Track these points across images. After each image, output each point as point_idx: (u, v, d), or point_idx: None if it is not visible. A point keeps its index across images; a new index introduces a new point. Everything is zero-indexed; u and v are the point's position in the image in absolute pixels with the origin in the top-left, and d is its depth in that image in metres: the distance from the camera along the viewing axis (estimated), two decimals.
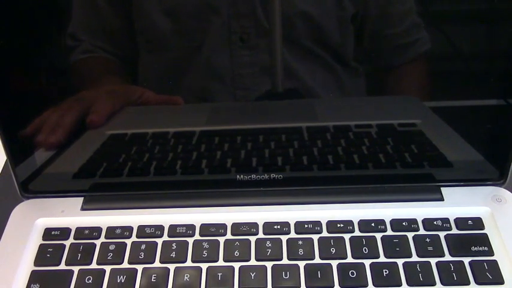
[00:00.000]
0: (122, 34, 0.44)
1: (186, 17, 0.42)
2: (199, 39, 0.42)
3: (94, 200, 0.46)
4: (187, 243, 0.43)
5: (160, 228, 0.44)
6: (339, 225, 0.44)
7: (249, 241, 0.43)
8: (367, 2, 0.42)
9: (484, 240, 0.42)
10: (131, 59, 0.45)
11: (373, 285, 0.40)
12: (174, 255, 0.42)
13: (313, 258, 0.42)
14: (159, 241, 0.43)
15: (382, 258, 0.41)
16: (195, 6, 0.42)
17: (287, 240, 0.43)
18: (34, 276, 0.41)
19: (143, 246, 0.43)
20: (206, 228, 0.44)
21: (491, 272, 0.40)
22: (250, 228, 0.44)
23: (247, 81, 0.43)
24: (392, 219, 0.44)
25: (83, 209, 0.46)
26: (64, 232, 0.44)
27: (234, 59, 0.43)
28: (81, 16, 0.42)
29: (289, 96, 0.44)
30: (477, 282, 0.40)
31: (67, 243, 0.43)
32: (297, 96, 0.44)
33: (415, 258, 0.41)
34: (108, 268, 0.42)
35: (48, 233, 0.44)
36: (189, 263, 0.42)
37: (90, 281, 0.41)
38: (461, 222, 0.44)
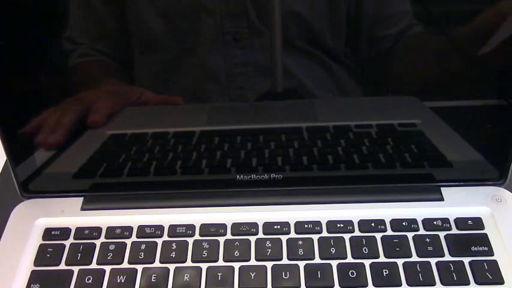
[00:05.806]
0: (119, 36, 0.44)
1: (178, 18, 0.42)
2: (193, 40, 0.43)
3: (94, 200, 0.46)
4: (187, 243, 0.43)
5: (160, 228, 0.44)
6: (339, 225, 0.44)
7: (249, 241, 0.43)
8: (360, 1, 0.42)
9: (484, 240, 0.42)
10: (128, 61, 0.45)
11: (373, 285, 0.40)
12: (174, 255, 0.42)
13: (313, 258, 0.42)
14: (159, 241, 0.43)
15: (382, 258, 0.41)
16: (187, 7, 0.42)
17: (287, 240, 0.43)
18: (34, 276, 0.41)
19: (143, 246, 0.43)
20: (206, 228, 0.44)
21: (491, 272, 0.40)
22: (250, 228, 0.44)
23: (242, 81, 0.43)
24: (392, 219, 0.44)
25: (83, 209, 0.46)
26: (64, 232, 0.44)
27: (228, 58, 0.43)
28: (78, 19, 0.42)
29: (288, 96, 0.44)
30: (477, 282, 0.40)
31: (67, 243, 0.43)
32: (296, 96, 0.44)
33: (415, 258, 0.41)
34: (108, 268, 0.42)
35: (48, 233, 0.44)
36: (189, 263, 0.42)
37: (90, 281, 0.41)
38: (461, 222, 0.44)
